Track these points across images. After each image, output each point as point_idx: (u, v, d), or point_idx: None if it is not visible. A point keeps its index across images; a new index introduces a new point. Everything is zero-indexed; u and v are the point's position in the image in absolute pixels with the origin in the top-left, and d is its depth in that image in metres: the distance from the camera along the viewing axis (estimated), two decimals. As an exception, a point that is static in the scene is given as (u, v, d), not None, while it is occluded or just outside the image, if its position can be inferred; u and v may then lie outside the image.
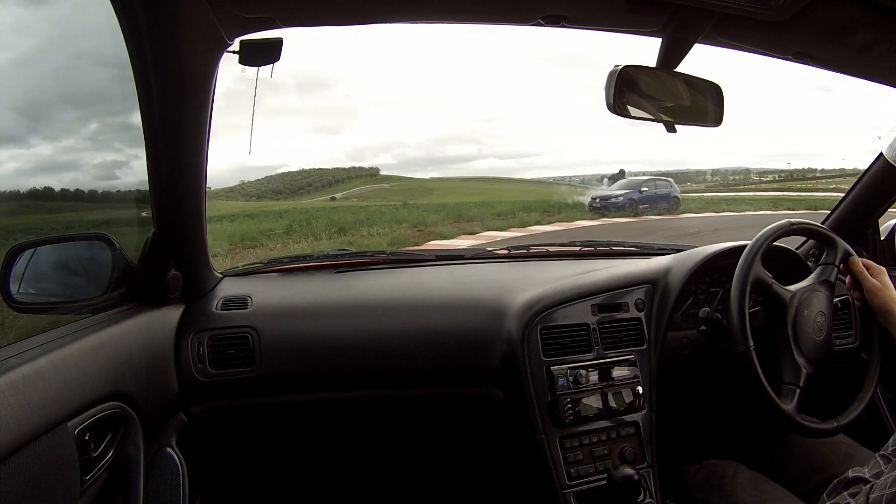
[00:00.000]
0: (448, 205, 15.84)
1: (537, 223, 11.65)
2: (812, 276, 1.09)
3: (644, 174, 17.15)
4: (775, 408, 0.99)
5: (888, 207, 1.38)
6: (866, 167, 1.35)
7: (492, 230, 10.62)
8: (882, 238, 1.42)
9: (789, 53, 0.91)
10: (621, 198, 13.78)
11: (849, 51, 0.87)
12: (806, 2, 0.71)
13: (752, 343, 1.00)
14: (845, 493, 0.72)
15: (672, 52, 0.85)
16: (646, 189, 14.28)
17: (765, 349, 1.02)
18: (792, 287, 1.06)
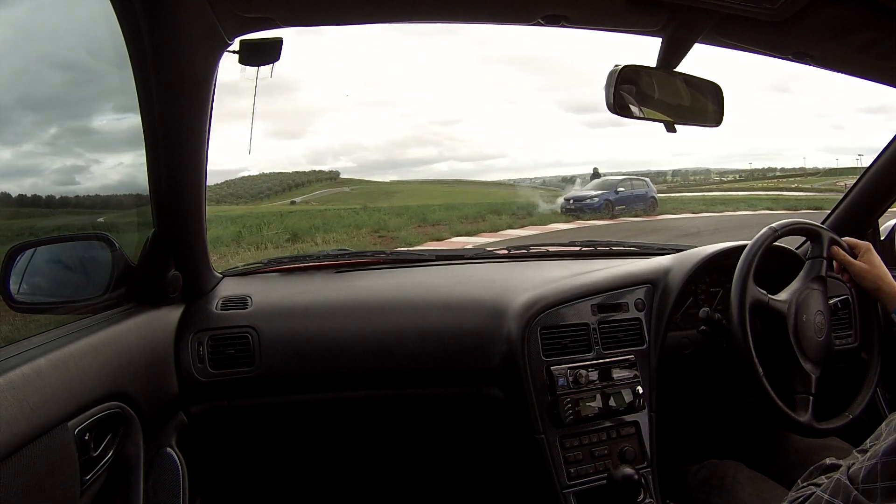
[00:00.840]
0: (411, 208, 14.92)
1: (509, 227, 10.97)
2: (802, 274, 1.08)
3: (618, 174, 16.07)
4: (793, 422, 0.99)
5: (888, 207, 1.38)
6: (867, 167, 1.35)
7: (460, 235, 9.81)
8: (882, 238, 1.42)
9: (789, 53, 0.91)
10: (597, 199, 12.99)
11: (849, 51, 0.87)
12: (806, 2, 0.71)
13: (761, 370, 0.99)
14: (822, 477, 0.74)
15: (672, 52, 0.85)
16: (622, 189, 13.48)
17: (771, 361, 1.01)
18: (785, 295, 1.05)
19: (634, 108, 0.86)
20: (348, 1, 0.84)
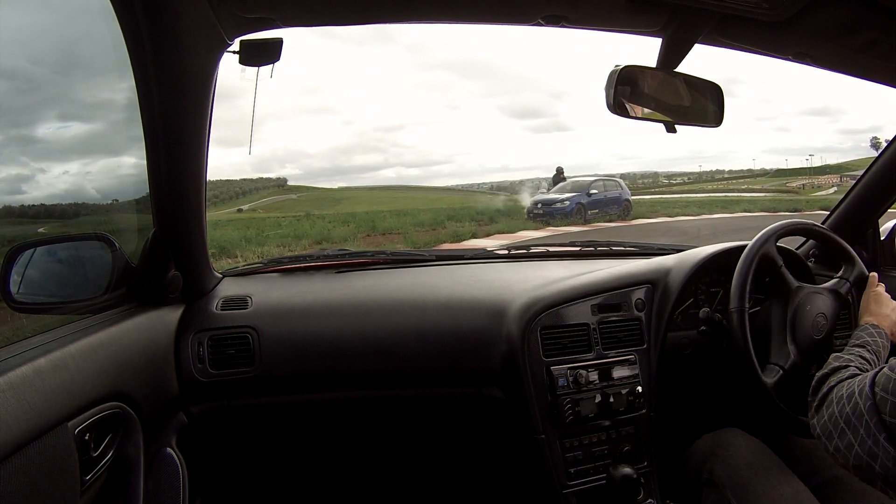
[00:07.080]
0: (358, 215, 13.72)
1: (473, 236, 9.68)
2: (826, 283, 1.09)
3: (590, 175, 14.40)
4: (756, 378, 0.99)
5: (888, 208, 1.38)
6: (865, 168, 1.35)
7: (418, 247, 8.28)
8: (882, 238, 1.42)
9: (789, 53, 0.91)
10: (568, 202, 11.92)
11: (849, 51, 0.87)
12: (806, 2, 0.71)
13: (747, 304, 1.01)
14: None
15: (672, 52, 0.85)
16: (595, 191, 12.39)
17: (760, 332, 1.03)
18: (800, 282, 1.06)
19: (634, 109, 0.86)
20: (348, 1, 0.84)
